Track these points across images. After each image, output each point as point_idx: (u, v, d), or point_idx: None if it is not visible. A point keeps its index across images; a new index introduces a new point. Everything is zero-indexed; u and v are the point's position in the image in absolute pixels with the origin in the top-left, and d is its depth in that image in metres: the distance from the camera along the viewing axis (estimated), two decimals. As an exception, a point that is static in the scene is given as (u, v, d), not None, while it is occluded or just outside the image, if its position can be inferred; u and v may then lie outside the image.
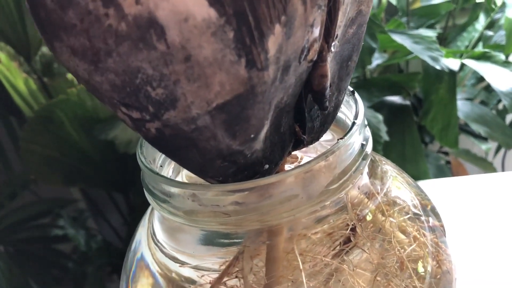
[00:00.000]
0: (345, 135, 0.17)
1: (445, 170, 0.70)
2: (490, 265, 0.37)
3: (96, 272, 0.84)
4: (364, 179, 0.19)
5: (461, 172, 0.78)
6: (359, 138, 0.18)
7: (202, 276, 0.19)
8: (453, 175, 0.76)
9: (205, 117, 0.13)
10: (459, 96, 0.71)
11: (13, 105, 0.68)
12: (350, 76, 0.18)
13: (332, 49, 0.15)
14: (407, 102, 0.58)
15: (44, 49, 0.64)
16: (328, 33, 0.15)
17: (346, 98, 0.20)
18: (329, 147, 0.23)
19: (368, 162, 0.18)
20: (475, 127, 0.70)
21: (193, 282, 0.19)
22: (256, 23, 0.12)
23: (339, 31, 0.15)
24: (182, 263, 0.19)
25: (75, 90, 0.57)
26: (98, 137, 0.57)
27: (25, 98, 0.63)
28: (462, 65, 0.66)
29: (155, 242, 0.20)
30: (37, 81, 0.61)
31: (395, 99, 0.59)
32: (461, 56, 0.64)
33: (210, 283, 0.19)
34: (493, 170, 0.78)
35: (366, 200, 0.18)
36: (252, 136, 0.15)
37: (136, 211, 0.67)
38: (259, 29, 0.12)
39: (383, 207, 0.19)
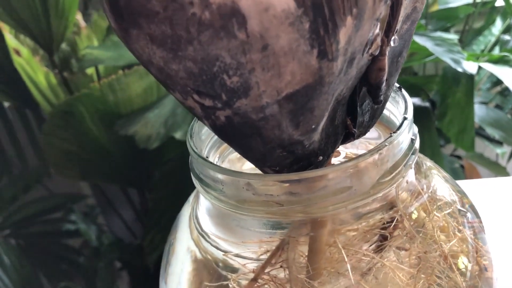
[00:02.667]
0: (398, 129, 0.17)
1: (459, 174, 0.70)
2: (501, 270, 0.37)
3: (107, 268, 0.84)
4: (411, 175, 0.19)
5: (475, 175, 0.79)
6: (409, 133, 0.18)
7: (245, 264, 0.20)
8: (466, 177, 0.76)
9: (273, 106, 0.14)
10: (475, 99, 0.71)
11: (30, 99, 0.68)
12: (398, 72, 0.19)
13: (392, 43, 0.16)
14: (427, 104, 0.58)
15: (63, 45, 0.65)
16: (389, 28, 0.15)
17: (392, 94, 0.20)
18: (367, 142, 0.24)
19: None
20: (490, 131, 0.70)
21: (236, 270, 0.20)
22: (330, 15, 0.12)
23: (398, 26, 0.16)
24: (226, 252, 0.20)
25: (98, 85, 0.58)
26: (118, 133, 0.57)
27: (44, 93, 0.64)
28: (478, 69, 0.66)
29: (199, 232, 0.21)
30: (57, 75, 0.61)
31: (414, 100, 0.60)
32: (477, 59, 0.64)
33: (253, 271, 0.19)
34: (506, 174, 0.78)
35: (412, 196, 0.19)
36: (313, 127, 0.15)
37: (150, 208, 0.68)
38: (333, 20, 0.13)
39: (427, 203, 0.20)
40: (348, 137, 0.18)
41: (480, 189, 0.49)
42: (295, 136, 0.15)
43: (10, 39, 0.62)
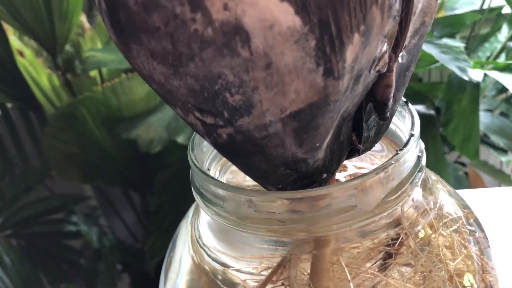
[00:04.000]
0: (404, 146, 0.17)
1: (463, 181, 0.70)
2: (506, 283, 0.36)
3: (108, 270, 0.84)
4: (417, 192, 0.18)
5: (478, 183, 0.78)
6: (416, 149, 0.17)
7: (245, 280, 0.19)
8: (470, 186, 0.76)
9: (277, 124, 0.13)
10: (480, 107, 0.71)
11: (33, 100, 0.68)
12: (405, 86, 0.18)
13: (400, 59, 0.15)
14: (431, 112, 0.58)
15: (67, 47, 0.64)
16: (397, 44, 0.15)
17: (399, 109, 0.20)
18: (371, 155, 0.23)
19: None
20: (495, 139, 0.69)
21: (236, 285, 0.19)
22: (337, 32, 0.12)
23: (406, 41, 0.15)
24: (227, 266, 0.19)
25: (100, 88, 0.57)
26: (121, 136, 0.57)
27: (47, 94, 0.63)
28: (484, 76, 0.65)
29: (199, 244, 0.20)
30: (60, 77, 0.61)
31: (419, 108, 0.59)
32: (482, 67, 0.63)
33: (254, 288, 0.19)
34: (510, 182, 0.77)
35: (417, 215, 0.18)
36: (317, 144, 0.14)
37: (152, 211, 0.67)
38: (340, 38, 0.12)
39: (433, 221, 0.19)
40: (353, 152, 0.18)
41: (484, 199, 0.49)
42: (299, 154, 0.14)
43: (14, 41, 0.62)
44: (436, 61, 0.58)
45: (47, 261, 0.90)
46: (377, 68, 0.14)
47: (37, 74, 0.61)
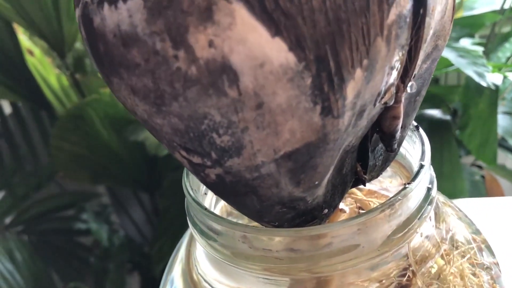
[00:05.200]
0: (413, 179, 0.15)
1: (480, 186, 0.68)
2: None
3: (117, 268, 0.84)
4: (427, 225, 0.17)
5: (495, 187, 0.76)
6: (426, 181, 0.16)
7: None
8: (486, 191, 0.74)
9: (270, 165, 0.12)
10: (498, 109, 0.68)
11: (44, 100, 0.68)
12: (416, 111, 0.17)
13: (408, 89, 0.14)
14: (447, 117, 0.56)
15: (77, 45, 0.64)
16: (405, 73, 0.14)
17: (409, 133, 0.18)
18: (381, 177, 0.22)
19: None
20: (514, 143, 0.67)
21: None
22: (336, 69, 0.11)
23: (416, 70, 0.14)
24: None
25: (108, 90, 0.56)
26: (129, 138, 0.56)
27: (56, 94, 0.63)
28: (503, 78, 0.63)
29: (197, 273, 0.19)
30: (69, 77, 0.61)
31: (435, 113, 0.57)
32: (500, 69, 0.61)
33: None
34: (529, 188, 0.75)
35: (429, 247, 0.17)
36: (316, 183, 0.13)
37: (161, 213, 0.67)
38: (339, 75, 0.11)
39: (444, 253, 0.18)
40: (358, 182, 0.17)
41: (502, 208, 0.47)
42: (296, 193, 0.13)
43: (24, 40, 0.61)
44: (453, 64, 0.56)
45: (58, 258, 0.91)
46: (383, 101, 0.13)
47: (47, 74, 0.61)
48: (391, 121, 0.14)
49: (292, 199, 0.13)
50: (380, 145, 0.16)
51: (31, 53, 0.60)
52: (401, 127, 0.17)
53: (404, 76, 0.14)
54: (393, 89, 0.13)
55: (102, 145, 0.62)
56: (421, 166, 0.16)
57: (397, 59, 0.12)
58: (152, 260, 0.67)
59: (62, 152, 0.62)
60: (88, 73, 0.63)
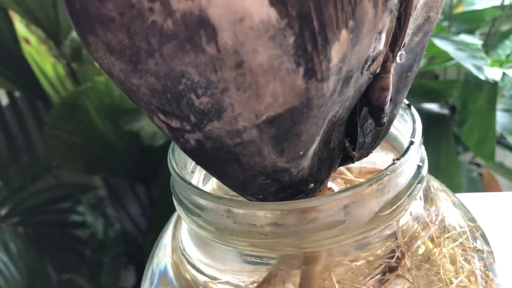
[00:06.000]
0: (402, 155, 0.15)
1: (477, 183, 0.67)
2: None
3: (113, 261, 0.83)
4: (417, 204, 0.17)
5: (493, 185, 0.75)
6: (416, 158, 0.16)
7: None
8: (484, 187, 0.73)
9: (252, 130, 0.12)
10: (497, 106, 0.68)
11: (40, 89, 0.67)
12: (408, 88, 0.17)
13: (398, 59, 0.13)
14: (445, 111, 0.55)
15: (74, 34, 0.63)
16: (394, 42, 0.13)
17: (400, 111, 0.18)
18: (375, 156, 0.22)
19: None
20: (512, 140, 0.67)
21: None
22: (320, 28, 0.10)
23: (406, 39, 0.14)
24: (209, 277, 0.18)
25: (103, 79, 0.56)
26: (124, 128, 0.56)
27: (52, 83, 0.63)
28: (502, 75, 0.63)
29: (182, 253, 0.19)
30: (65, 66, 0.60)
31: (432, 107, 0.57)
32: (501, 65, 0.61)
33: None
34: (527, 186, 0.74)
35: (418, 228, 0.17)
36: (301, 153, 0.13)
37: (157, 204, 0.66)
38: (324, 35, 0.11)
39: (434, 236, 0.17)
40: (346, 160, 0.16)
41: (499, 203, 0.46)
42: (280, 163, 0.13)
43: (20, 28, 0.61)
44: (453, 58, 0.56)
45: (53, 250, 0.90)
46: (371, 69, 0.13)
47: (43, 62, 0.60)
48: (380, 93, 0.14)
49: (276, 169, 0.13)
50: (370, 121, 0.16)
51: (27, 41, 0.60)
52: (393, 104, 0.16)
53: (394, 44, 0.13)
54: (381, 57, 0.13)
55: (97, 134, 0.61)
56: (411, 143, 0.16)
57: (385, 25, 0.12)
58: (146, 251, 0.67)
59: (57, 141, 0.61)
60: (84, 62, 0.63)
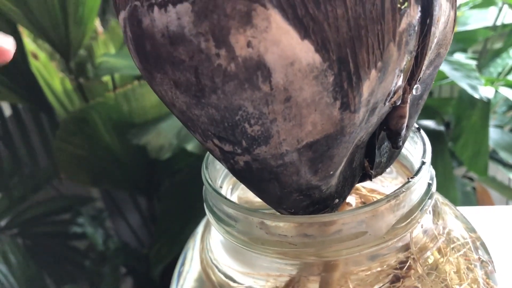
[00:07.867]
0: (416, 174, 0.17)
1: (471, 197, 0.70)
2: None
3: (112, 272, 0.84)
4: (427, 218, 0.19)
5: (486, 199, 0.78)
6: (427, 177, 0.18)
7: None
8: (477, 201, 0.76)
9: (293, 154, 0.13)
10: (490, 123, 0.70)
11: (45, 103, 0.69)
12: (418, 114, 0.19)
13: (414, 91, 0.15)
14: (441, 128, 0.58)
15: (81, 51, 0.65)
16: (412, 76, 0.15)
17: (410, 134, 0.20)
18: (383, 177, 0.24)
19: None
20: (504, 155, 0.69)
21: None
22: (355, 69, 0.12)
23: (421, 74, 0.16)
24: (236, 282, 0.20)
25: (112, 94, 0.58)
26: (131, 142, 0.58)
27: (59, 98, 0.64)
28: (495, 92, 0.65)
29: (210, 259, 0.20)
30: (73, 81, 0.62)
31: (429, 123, 0.59)
32: (492, 83, 0.63)
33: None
34: (518, 199, 0.77)
35: (426, 240, 0.19)
36: (331, 172, 0.15)
37: (158, 217, 0.68)
38: (357, 74, 0.13)
39: (441, 247, 0.19)
40: (365, 177, 0.18)
41: (492, 217, 0.48)
42: (313, 181, 0.15)
43: (29, 43, 0.62)
44: (447, 77, 0.58)
45: (52, 261, 0.91)
46: (392, 101, 0.15)
47: (50, 77, 0.62)
48: (398, 120, 0.16)
49: (309, 187, 0.15)
50: (386, 143, 0.18)
51: (35, 56, 0.62)
52: (406, 128, 0.18)
53: (411, 79, 0.15)
54: (400, 91, 0.15)
55: (104, 148, 0.63)
56: (423, 163, 0.18)
57: (405, 63, 0.14)
58: (148, 264, 0.68)
59: (64, 154, 0.63)
60: (91, 78, 0.65)
